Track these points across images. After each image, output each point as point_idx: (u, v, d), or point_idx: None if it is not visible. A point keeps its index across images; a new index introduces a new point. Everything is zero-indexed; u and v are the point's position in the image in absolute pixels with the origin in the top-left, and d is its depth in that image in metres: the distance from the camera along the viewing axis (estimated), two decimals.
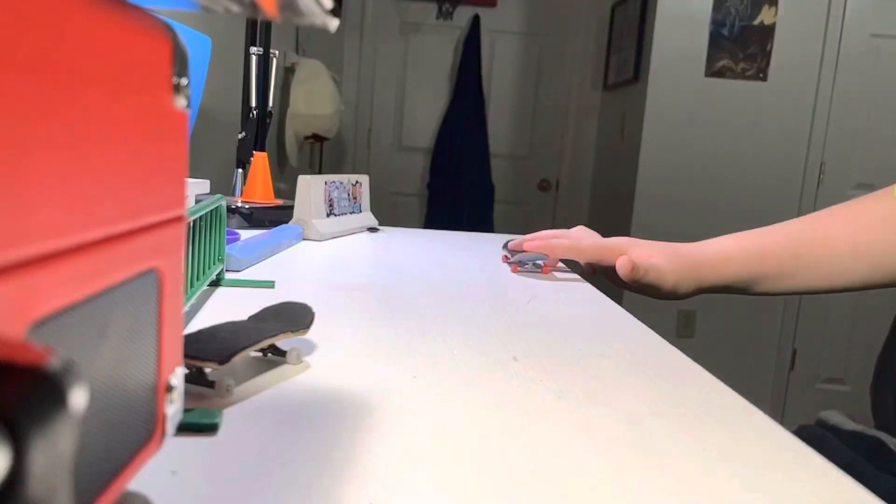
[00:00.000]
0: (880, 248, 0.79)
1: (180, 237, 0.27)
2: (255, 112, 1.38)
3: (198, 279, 0.58)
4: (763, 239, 0.84)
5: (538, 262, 0.91)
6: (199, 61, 0.95)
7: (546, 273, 0.92)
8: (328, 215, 1.14)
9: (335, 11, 0.24)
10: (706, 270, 0.83)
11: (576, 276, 0.93)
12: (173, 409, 0.27)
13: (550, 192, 4.09)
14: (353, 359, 0.49)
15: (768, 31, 2.99)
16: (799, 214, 3.02)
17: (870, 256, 0.79)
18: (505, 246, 1.02)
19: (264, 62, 1.38)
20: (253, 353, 0.44)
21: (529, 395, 0.44)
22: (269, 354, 0.47)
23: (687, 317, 3.14)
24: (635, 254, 0.83)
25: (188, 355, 0.39)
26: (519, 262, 0.92)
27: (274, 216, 1.19)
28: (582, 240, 0.90)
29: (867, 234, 0.80)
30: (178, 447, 0.33)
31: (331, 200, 1.16)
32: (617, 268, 0.81)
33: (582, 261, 0.89)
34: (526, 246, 0.92)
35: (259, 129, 1.39)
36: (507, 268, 0.95)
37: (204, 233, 0.60)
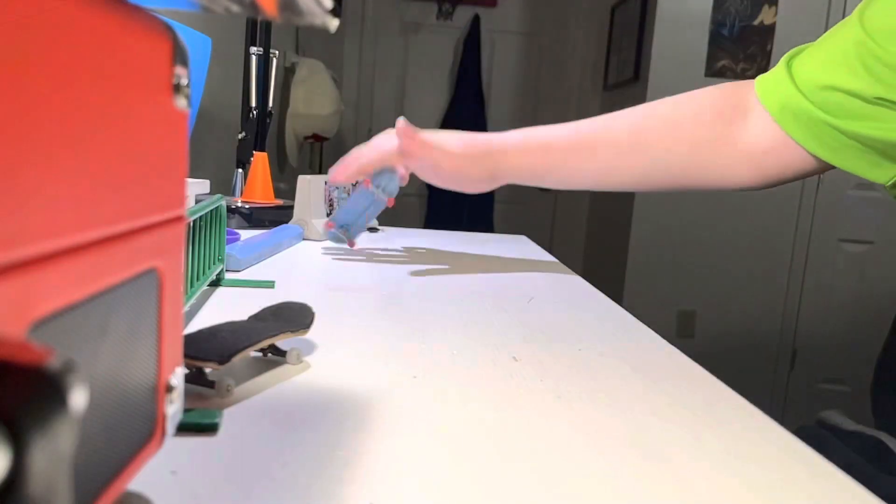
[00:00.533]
0: (657, 146, 0.83)
1: (180, 237, 0.27)
2: (255, 112, 1.38)
3: (198, 279, 0.58)
4: (551, 132, 0.86)
5: (351, 235, 0.91)
6: (199, 61, 0.95)
7: (352, 246, 0.92)
8: (328, 215, 1.14)
9: (335, 11, 0.24)
10: (497, 157, 0.85)
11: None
12: (173, 409, 0.27)
13: (550, 192, 4.09)
14: (353, 359, 0.49)
15: (768, 31, 2.99)
16: (799, 213, 3.02)
17: (648, 155, 0.84)
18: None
19: (264, 62, 1.38)
20: (253, 353, 0.44)
21: (529, 395, 0.44)
22: (269, 354, 0.47)
23: (687, 317, 3.14)
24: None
25: (188, 355, 0.39)
26: (333, 221, 0.91)
27: (274, 216, 1.19)
28: (372, 149, 0.89)
29: (648, 133, 0.84)
30: (178, 447, 0.33)
31: (331, 200, 1.16)
32: (396, 133, 0.83)
33: (369, 157, 0.89)
34: (330, 178, 0.92)
35: (259, 129, 1.39)
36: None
37: (204, 233, 0.60)
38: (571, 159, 0.85)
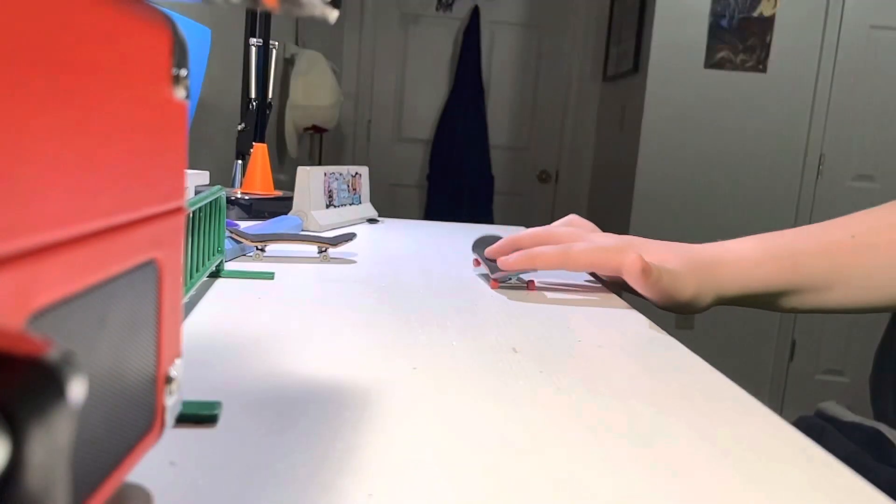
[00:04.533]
0: None
1: (180, 228, 0.27)
2: (254, 103, 1.38)
3: (197, 270, 0.58)
4: (793, 244, 0.71)
5: (522, 276, 0.76)
6: (198, 52, 0.95)
7: (533, 289, 0.75)
8: (328, 206, 1.14)
9: (335, 2, 0.24)
10: (727, 276, 0.69)
11: (580, 289, 0.77)
12: (173, 400, 0.27)
13: (550, 184, 4.09)
14: (353, 350, 0.49)
15: (768, 23, 2.98)
16: (798, 205, 3.02)
17: None
18: (476, 247, 0.84)
19: (264, 53, 1.37)
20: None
21: (529, 386, 0.44)
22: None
23: None
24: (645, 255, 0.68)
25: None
26: (500, 279, 0.74)
27: (273, 207, 1.19)
28: (572, 245, 0.72)
29: None
30: (177, 438, 0.33)
31: (330, 191, 1.16)
32: (624, 269, 0.64)
33: (575, 271, 0.76)
34: (501, 263, 0.73)
35: (258, 120, 1.39)
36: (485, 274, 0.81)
37: (203, 224, 0.60)
38: (821, 277, 0.69)
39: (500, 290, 0.73)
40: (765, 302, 0.72)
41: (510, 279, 0.75)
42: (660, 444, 0.37)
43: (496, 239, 0.82)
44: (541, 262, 0.71)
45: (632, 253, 0.64)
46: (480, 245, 0.84)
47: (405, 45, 4.05)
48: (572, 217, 0.85)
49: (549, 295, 0.73)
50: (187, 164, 0.28)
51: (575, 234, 0.78)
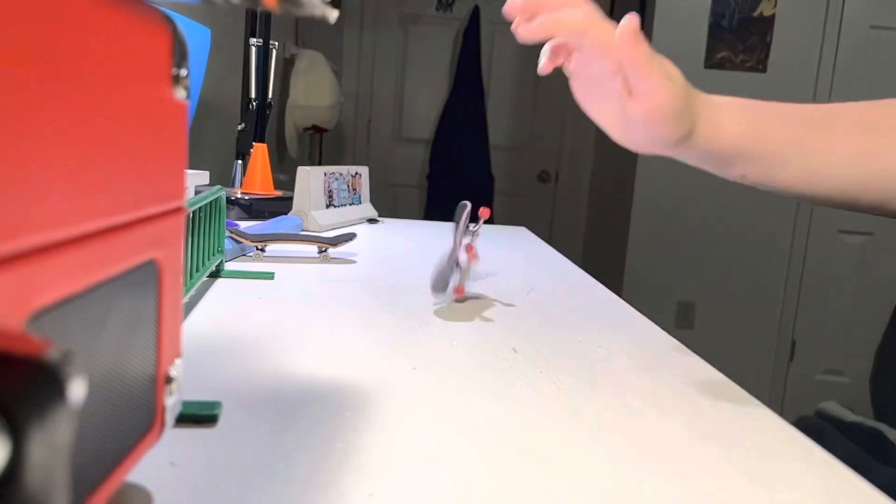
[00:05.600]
0: (880, 164, 0.66)
1: (180, 228, 0.27)
2: (254, 103, 1.38)
3: (197, 270, 0.58)
4: (769, 108, 0.67)
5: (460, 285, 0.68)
6: (198, 52, 0.95)
7: (459, 294, 0.68)
8: (328, 206, 1.14)
9: (335, 2, 0.24)
10: (707, 119, 0.64)
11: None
12: (173, 400, 0.27)
13: (550, 184, 4.09)
14: (353, 350, 0.49)
15: (768, 23, 2.98)
16: (798, 205, 3.02)
17: (868, 171, 0.67)
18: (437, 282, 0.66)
19: (264, 53, 1.37)
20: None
21: (528, 385, 0.44)
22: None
23: (686, 308, 3.14)
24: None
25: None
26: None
27: (273, 207, 1.19)
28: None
29: (875, 147, 0.67)
30: (177, 438, 0.33)
31: (330, 191, 1.16)
32: (619, 31, 0.57)
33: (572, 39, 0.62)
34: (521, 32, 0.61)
35: (258, 120, 1.39)
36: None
37: (203, 224, 0.60)
38: (779, 151, 0.66)
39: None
40: (725, 160, 0.66)
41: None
42: (660, 444, 0.37)
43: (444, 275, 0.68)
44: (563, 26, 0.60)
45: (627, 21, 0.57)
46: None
47: (405, 45, 4.05)
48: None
49: (550, 295, 0.73)
50: (187, 164, 0.28)
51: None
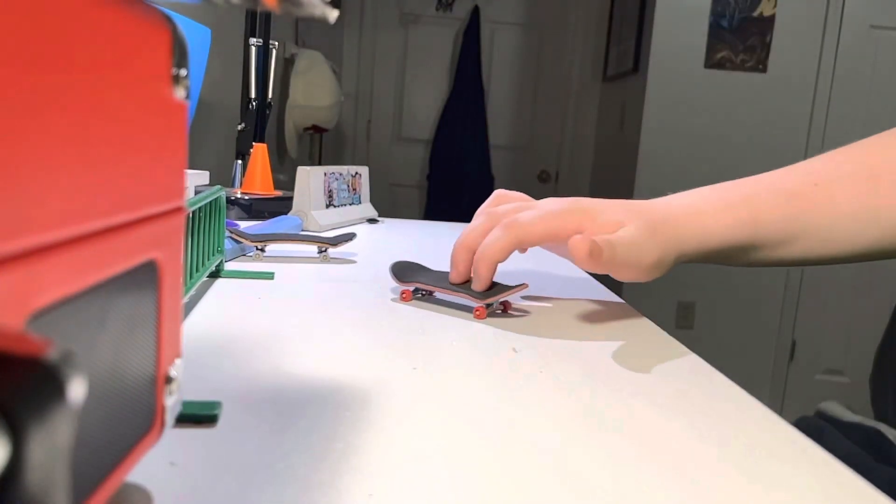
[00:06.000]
0: (892, 212, 0.64)
1: (179, 228, 0.27)
2: (254, 103, 1.38)
3: (197, 270, 0.58)
4: (752, 194, 0.65)
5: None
6: (198, 52, 0.95)
7: (507, 309, 0.64)
8: (327, 206, 1.14)
9: (335, 2, 0.24)
10: (687, 232, 0.62)
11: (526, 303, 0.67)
12: (173, 400, 0.27)
13: (550, 184, 4.09)
14: (353, 350, 0.49)
15: (768, 23, 2.98)
16: None
17: (879, 221, 0.64)
18: (405, 276, 0.67)
19: (264, 53, 1.37)
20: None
21: (529, 386, 0.44)
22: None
23: (686, 308, 3.14)
24: (594, 226, 0.61)
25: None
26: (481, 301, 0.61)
27: (273, 207, 1.19)
28: (517, 215, 0.63)
29: (878, 197, 0.64)
30: (177, 438, 0.33)
31: (330, 191, 1.16)
32: (571, 253, 0.56)
33: (529, 246, 0.65)
34: (452, 279, 0.64)
35: (258, 120, 1.39)
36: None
37: (203, 224, 0.60)
38: (784, 232, 0.63)
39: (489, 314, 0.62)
40: (726, 257, 0.66)
41: (492, 305, 0.62)
42: (660, 444, 0.37)
43: (417, 266, 0.70)
44: (490, 253, 0.60)
45: (576, 235, 0.55)
46: (409, 273, 0.68)
47: (405, 45, 4.05)
48: (498, 192, 0.74)
49: (549, 295, 0.73)
50: (187, 164, 0.28)
51: (515, 208, 0.66)
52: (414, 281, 0.65)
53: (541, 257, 0.98)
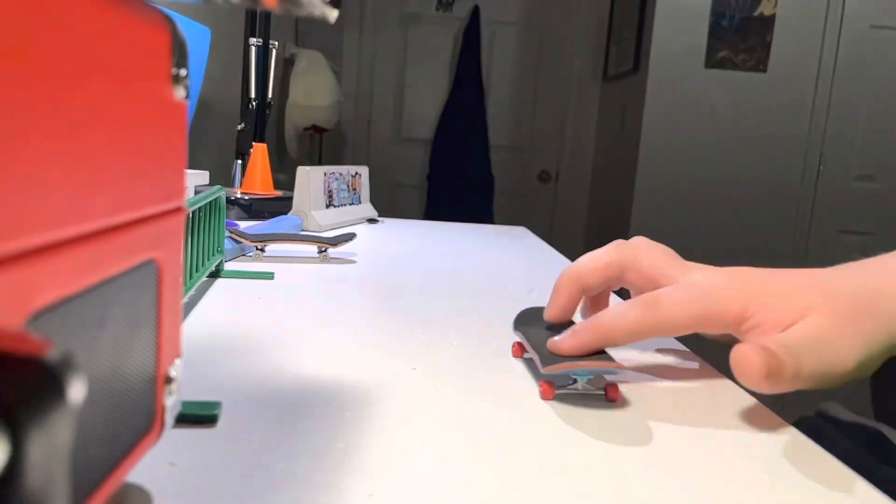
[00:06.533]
0: None
1: (179, 228, 0.27)
2: (254, 103, 1.38)
3: (197, 270, 0.58)
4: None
5: (591, 375, 0.43)
6: (198, 52, 0.95)
7: (615, 399, 0.43)
8: (327, 206, 1.14)
9: (335, 2, 0.24)
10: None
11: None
12: (172, 401, 0.27)
13: (550, 184, 4.09)
14: (353, 350, 0.49)
15: (768, 23, 2.98)
16: (798, 205, 3.01)
17: None
18: (519, 324, 0.52)
19: (264, 53, 1.37)
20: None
21: (530, 386, 0.44)
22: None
23: None
24: (765, 315, 0.45)
25: None
26: (556, 380, 0.43)
27: (273, 207, 1.19)
28: (660, 296, 0.46)
29: None
30: (177, 438, 0.33)
31: (330, 191, 1.16)
32: (737, 371, 0.41)
33: (672, 336, 0.49)
34: (552, 348, 0.44)
35: (258, 120, 1.39)
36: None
37: (203, 224, 0.60)
38: None
39: (558, 397, 0.43)
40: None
41: (575, 380, 0.43)
42: (660, 444, 0.37)
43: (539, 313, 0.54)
44: (617, 334, 0.45)
45: (741, 346, 0.40)
46: (526, 322, 0.52)
47: (405, 45, 4.04)
48: (639, 241, 0.55)
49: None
50: (187, 164, 0.28)
51: (645, 268, 0.52)
52: (519, 331, 0.51)
53: (542, 258, 0.98)
